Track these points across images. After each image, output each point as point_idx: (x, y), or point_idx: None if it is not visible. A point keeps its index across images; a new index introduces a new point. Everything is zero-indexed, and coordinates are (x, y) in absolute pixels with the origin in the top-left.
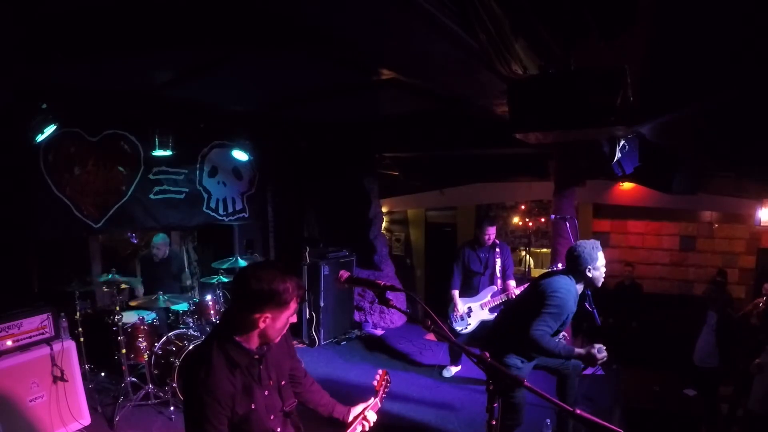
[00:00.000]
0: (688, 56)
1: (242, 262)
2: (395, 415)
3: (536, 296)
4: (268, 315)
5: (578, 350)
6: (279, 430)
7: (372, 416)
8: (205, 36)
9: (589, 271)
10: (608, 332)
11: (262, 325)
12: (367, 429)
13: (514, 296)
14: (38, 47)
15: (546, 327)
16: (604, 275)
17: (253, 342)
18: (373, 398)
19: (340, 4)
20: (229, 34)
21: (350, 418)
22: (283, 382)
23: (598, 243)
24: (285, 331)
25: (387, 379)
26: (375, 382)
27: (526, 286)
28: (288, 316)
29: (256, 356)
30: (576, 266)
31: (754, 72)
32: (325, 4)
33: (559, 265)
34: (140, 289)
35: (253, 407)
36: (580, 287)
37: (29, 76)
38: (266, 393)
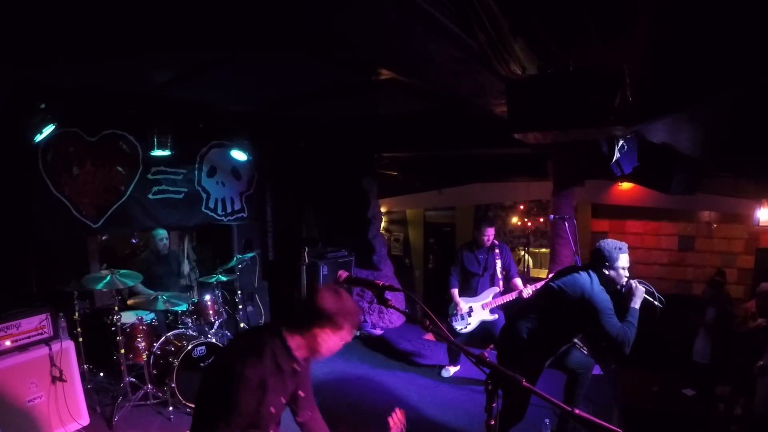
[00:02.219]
0: (687, 56)
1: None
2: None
3: (571, 304)
4: (326, 333)
5: (633, 305)
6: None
7: None
8: (205, 36)
9: (606, 269)
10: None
11: (319, 340)
12: None
13: (523, 293)
14: (38, 47)
15: (614, 326)
16: (624, 279)
17: (302, 352)
18: None
19: (339, 4)
20: (229, 34)
21: None
22: (303, 396)
23: (624, 245)
24: (330, 354)
25: (403, 421)
26: (391, 423)
27: (535, 285)
28: (341, 338)
29: (297, 367)
30: (594, 262)
31: (754, 72)
32: (325, 4)
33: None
34: (140, 287)
35: (272, 411)
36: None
37: (28, 76)
38: (283, 400)
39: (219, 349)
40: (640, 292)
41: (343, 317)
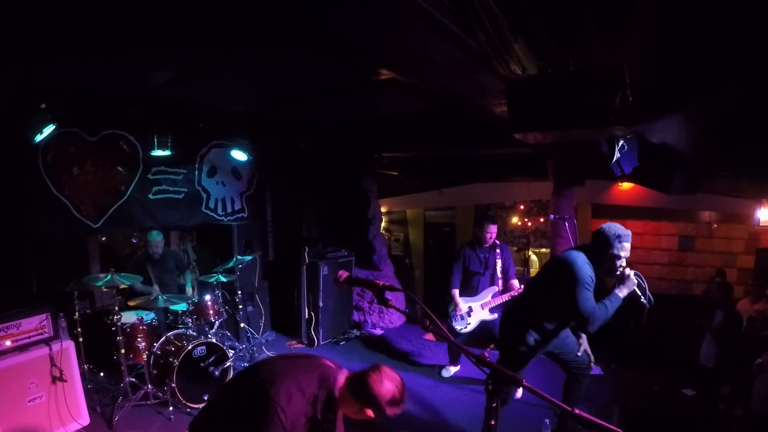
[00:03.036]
0: (687, 56)
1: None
2: (393, 415)
3: (558, 274)
4: (369, 410)
5: (618, 292)
6: None
7: None
8: (205, 36)
9: (604, 252)
10: (607, 332)
11: (359, 413)
12: None
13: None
14: (38, 47)
15: (588, 300)
16: (620, 267)
17: (340, 408)
18: None
19: (339, 4)
20: (229, 34)
21: None
22: None
23: (627, 234)
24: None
25: None
26: None
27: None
28: (376, 414)
29: (332, 416)
30: (593, 243)
31: (754, 72)
32: (325, 4)
33: None
34: (139, 286)
35: None
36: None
37: (28, 76)
38: None
39: (262, 363)
40: (630, 282)
41: (390, 407)
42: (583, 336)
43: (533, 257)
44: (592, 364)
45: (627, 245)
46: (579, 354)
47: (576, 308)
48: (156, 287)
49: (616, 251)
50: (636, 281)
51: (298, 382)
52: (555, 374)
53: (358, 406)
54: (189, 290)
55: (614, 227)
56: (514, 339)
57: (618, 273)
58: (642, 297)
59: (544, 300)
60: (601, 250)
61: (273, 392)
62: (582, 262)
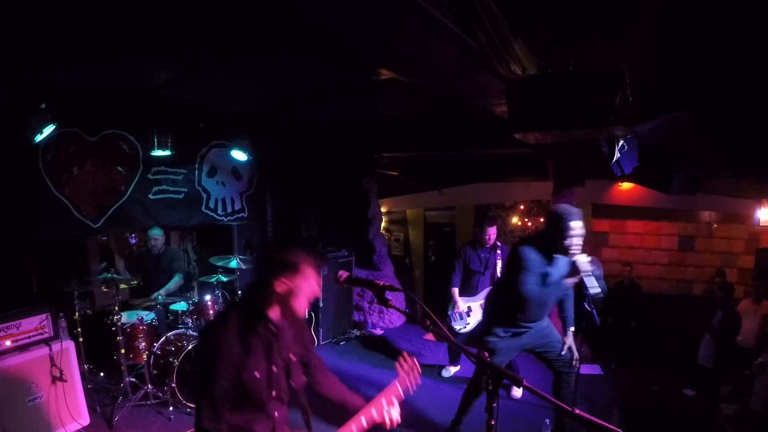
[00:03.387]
0: (687, 56)
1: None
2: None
3: (508, 262)
4: (284, 281)
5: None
6: (276, 413)
7: (395, 413)
8: (205, 36)
9: (557, 232)
10: (607, 332)
11: (279, 290)
12: (390, 418)
13: None
14: (38, 47)
15: (525, 285)
16: (575, 245)
17: (274, 311)
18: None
19: (340, 4)
20: (229, 34)
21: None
22: (294, 359)
23: (577, 212)
24: (307, 306)
25: (416, 367)
26: (398, 365)
27: None
28: (309, 286)
29: (273, 327)
30: (546, 225)
31: (754, 72)
32: (325, 5)
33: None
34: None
35: (257, 376)
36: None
37: (28, 76)
38: (274, 369)
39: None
40: (581, 272)
41: (300, 259)
42: (569, 333)
43: None
44: (575, 362)
45: (573, 224)
46: (563, 353)
47: (516, 290)
48: (159, 296)
49: (563, 230)
50: (589, 270)
51: (219, 317)
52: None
53: (280, 285)
54: (167, 289)
55: (562, 207)
56: (485, 331)
57: (571, 253)
58: (589, 288)
59: (506, 290)
60: (549, 231)
61: (201, 340)
62: (525, 246)
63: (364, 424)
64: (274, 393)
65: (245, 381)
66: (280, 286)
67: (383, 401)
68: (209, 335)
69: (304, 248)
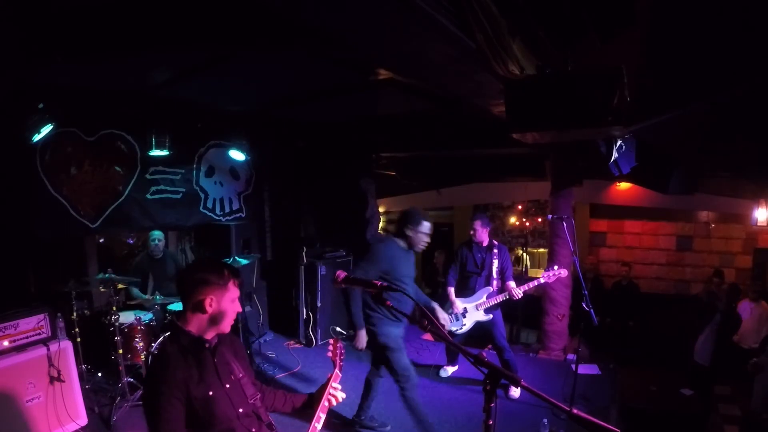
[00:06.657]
0: (685, 57)
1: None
2: (392, 415)
3: None
4: (212, 297)
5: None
6: (254, 431)
7: (340, 394)
8: (204, 36)
9: (407, 230)
10: (605, 332)
11: (208, 309)
12: (336, 403)
13: (515, 297)
14: (36, 47)
15: (357, 272)
16: (424, 243)
17: (205, 330)
18: (335, 371)
19: (339, 4)
20: (229, 34)
21: (314, 398)
22: (241, 375)
23: (417, 211)
24: (232, 320)
25: (340, 347)
26: (329, 353)
27: (526, 285)
28: (231, 299)
29: (208, 345)
30: (398, 222)
31: (753, 72)
32: (325, 5)
33: (555, 267)
34: (135, 292)
35: (210, 394)
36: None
37: (26, 76)
38: (227, 386)
39: None
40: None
41: (211, 273)
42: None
43: (524, 255)
44: (446, 325)
45: (428, 224)
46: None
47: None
48: (157, 296)
49: (419, 228)
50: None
51: (155, 357)
52: (553, 374)
53: (200, 304)
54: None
55: (410, 209)
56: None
57: (421, 246)
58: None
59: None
60: (406, 228)
61: (148, 373)
62: (377, 241)
63: (323, 415)
64: (241, 410)
65: (201, 401)
66: (210, 303)
67: (330, 390)
68: (151, 370)
69: (221, 264)
